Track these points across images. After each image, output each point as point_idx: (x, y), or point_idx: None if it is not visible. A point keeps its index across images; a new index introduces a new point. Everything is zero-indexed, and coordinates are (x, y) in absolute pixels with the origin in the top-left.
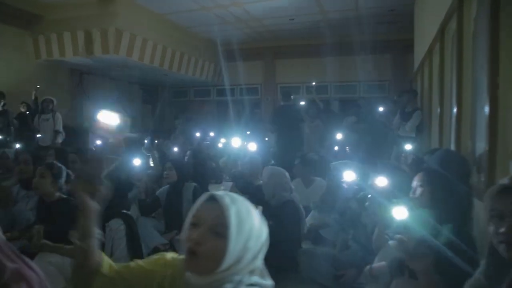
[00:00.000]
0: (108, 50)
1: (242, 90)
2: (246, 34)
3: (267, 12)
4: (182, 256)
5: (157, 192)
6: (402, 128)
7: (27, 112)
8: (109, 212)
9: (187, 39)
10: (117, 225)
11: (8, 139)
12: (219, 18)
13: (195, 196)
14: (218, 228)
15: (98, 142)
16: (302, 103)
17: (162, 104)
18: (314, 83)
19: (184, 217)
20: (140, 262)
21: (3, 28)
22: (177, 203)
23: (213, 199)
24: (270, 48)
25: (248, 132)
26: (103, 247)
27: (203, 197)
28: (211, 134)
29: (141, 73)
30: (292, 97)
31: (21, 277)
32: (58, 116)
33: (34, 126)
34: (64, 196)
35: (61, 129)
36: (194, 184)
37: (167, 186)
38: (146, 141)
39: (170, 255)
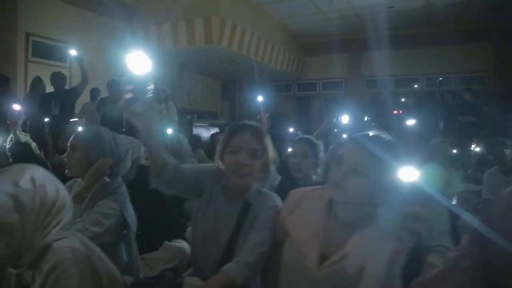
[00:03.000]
0: (211, 40)
1: (325, 84)
2: (334, 25)
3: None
4: None
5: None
6: None
7: None
8: None
9: (277, 31)
10: None
11: None
12: (315, 8)
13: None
14: None
15: None
16: None
17: (241, 99)
18: (440, 78)
19: None
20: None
21: (103, 20)
22: None
23: None
24: (356, 40)
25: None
26: None
27: None
28: (291, 130)
29: (230, 65)
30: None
31: None
32: (172, 105)
33: None
34: None
35: (176, 118)
36: None
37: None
38: None
39: None
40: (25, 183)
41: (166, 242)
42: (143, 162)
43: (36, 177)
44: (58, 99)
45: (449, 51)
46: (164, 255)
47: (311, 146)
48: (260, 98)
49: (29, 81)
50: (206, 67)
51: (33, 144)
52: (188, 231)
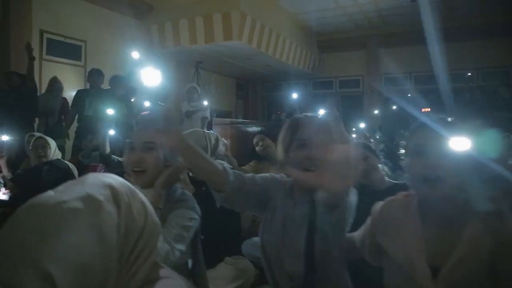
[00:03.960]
0: (231, 36)
1: (342, 82)
2: (352, 21)
3: None
4: None
5: None
6: None
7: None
8: None
9: (294, 27)
10: None
11: None
12: (334, 2)
13: None
14: None
15: None
16: None
17: (255, 98)
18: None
19: None
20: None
21: (117, 17)
22: None
23: None
24: (374, 37)
25: None
26: None
27: None
28: None
29: (245, 63)
30: None
31: None
32: (206, 104)
33: None
34: None
35: (208, 116)
36: None
37: None
38: None
39: None
40: (107, 204)
41: (228, 258)
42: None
43: (119, 194)
44: (94, 98)
45: (471, 45)
46: (226, 273)
47: (368, 149)
48: (295, 96)
49: (43, 80)
50: (221, 65)
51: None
52: (244, 245)
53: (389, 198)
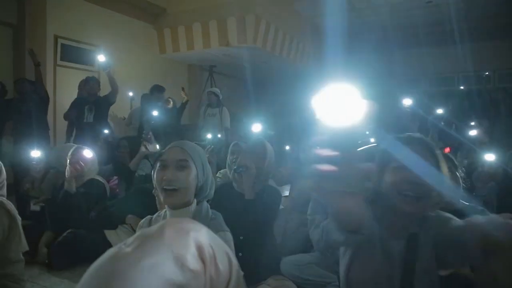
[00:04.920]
0: (245, 40)
1: None
2: (365, 23)
3: None
4: None
5: None
6: None
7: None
8: None
9: (308, 30)
10: None
11: None
12: (349, 4)
13: None
14: None
15: None
16: None
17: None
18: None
19: None
20: None
21: (130, 22)
22: None
23: None
24: (390, 38)
25: None
26: None
27: None
28: None
29: (258, 67)
30: None
31: None
32: (226, 111)
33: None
34: None
35: (228, 125)
36: None
37: None
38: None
39: None
40: (192, 260)
41: (271, 280)
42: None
43: (204, 246)
44: (93, 106)
45: (487, 46)
46: None
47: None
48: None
49: (58, 85)
50: (233, 69)
51: None
52: (284, 264)
53: None
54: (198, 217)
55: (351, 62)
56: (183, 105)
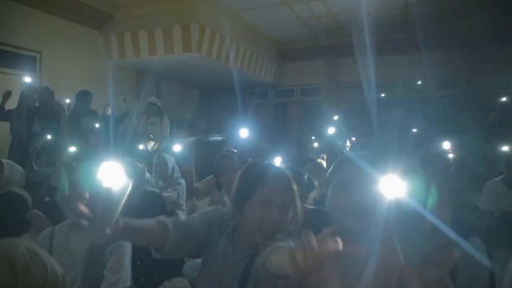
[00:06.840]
0: (190, 48)
1: (303, 90)
2: (311, 32)
3: (346, 6)
4: None
5: None
6: None
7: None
8: None
9: (255, 38)
10: None
11: None
12: (294, 14)
13: None
14: None
15: None
16: None
17: (218, 107)
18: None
19: None
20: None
21: (74, 27)
22: None
23: None
24: (334, 46)
25: None
26: None
27: None
28: None
29: (207, 73)
30: None
31: None
32: (166, 120)
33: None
34: None
35: (167, 134)
36: None
37: None
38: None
39: None
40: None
41: (167, 282)
42: (148, 187)
43: (15, 261)
44: (43, 116)
45: (425, 56)
46: None
47: None
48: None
49: None
50: (183, 75)
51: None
52: (186, 267)
53: None
54: None
55: None
56: (123, 115)
